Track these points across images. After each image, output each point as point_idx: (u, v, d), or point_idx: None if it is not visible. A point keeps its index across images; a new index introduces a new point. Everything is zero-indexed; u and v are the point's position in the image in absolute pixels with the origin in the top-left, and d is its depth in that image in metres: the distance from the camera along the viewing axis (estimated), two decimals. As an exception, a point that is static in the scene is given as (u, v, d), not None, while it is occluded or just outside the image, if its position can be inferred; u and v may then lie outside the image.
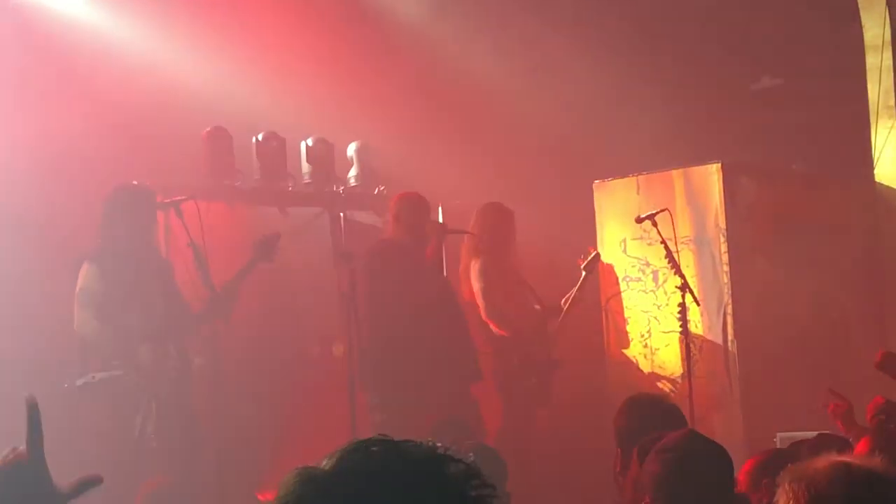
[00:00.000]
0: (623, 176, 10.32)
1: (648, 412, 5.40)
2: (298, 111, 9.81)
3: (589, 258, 9.95)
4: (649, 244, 9.82)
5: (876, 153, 9.79)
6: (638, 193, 10.14)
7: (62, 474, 2.60)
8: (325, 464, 2.03)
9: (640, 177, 10.20)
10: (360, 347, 8.43)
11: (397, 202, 9.22)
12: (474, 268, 9.63)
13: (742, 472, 5.19)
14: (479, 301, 9.58)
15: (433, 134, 10.53)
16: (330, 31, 10.27)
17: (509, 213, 9.80)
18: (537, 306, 9.97)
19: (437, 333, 8.92)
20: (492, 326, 9.62)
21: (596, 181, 10.51)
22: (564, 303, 9.92)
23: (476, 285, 9.60)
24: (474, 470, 2.05)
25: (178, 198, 8.26)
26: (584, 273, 9.91)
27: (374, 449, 2.03)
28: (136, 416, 7.69)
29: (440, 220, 10.05)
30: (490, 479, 2.04)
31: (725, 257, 9.70)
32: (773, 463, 4.85)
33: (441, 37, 10.64)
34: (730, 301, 9.61)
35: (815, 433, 6.25)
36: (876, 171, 9.81)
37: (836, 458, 3.20)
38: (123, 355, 7.75)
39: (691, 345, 9.39)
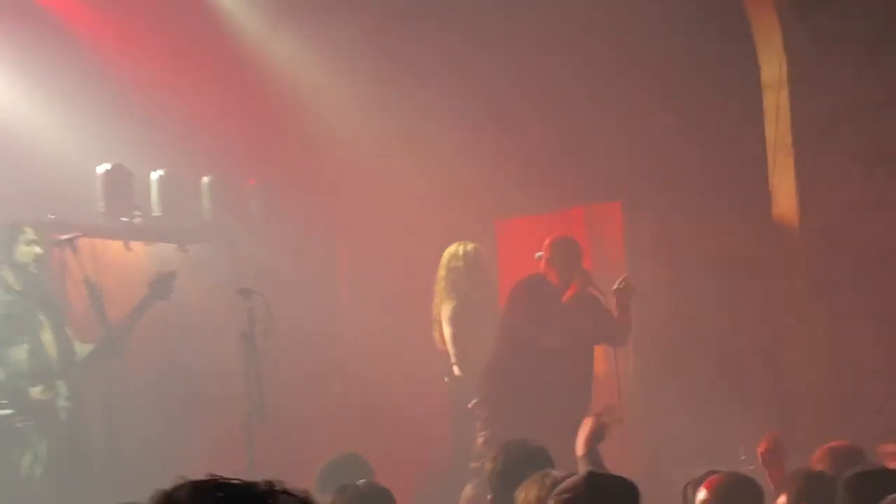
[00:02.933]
0: (525, 214, 10.34)
1: (515, 455, 5.56)
2: (194, 150, 9.78)
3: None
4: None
5: (773, 191, 9.91)
6: (540, 231, 10.16)
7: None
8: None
9: (541, 215, 10.23)
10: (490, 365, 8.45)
11: (551, 245, 8.81)
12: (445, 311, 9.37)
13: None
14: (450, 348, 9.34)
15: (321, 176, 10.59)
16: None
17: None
18: None
19: (562, 377, 8.46)
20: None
21: (497, 219, 10.53)
22: None
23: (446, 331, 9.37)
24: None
25: (73, 234, 8.16)
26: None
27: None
28: (24, 457, 7.52)
29: None
30: None
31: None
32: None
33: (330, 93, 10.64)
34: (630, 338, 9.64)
35: (705, 471, 6.27)
36: (773, 210, 9.93)
37: None
38: (12, 394, 7.60)
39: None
